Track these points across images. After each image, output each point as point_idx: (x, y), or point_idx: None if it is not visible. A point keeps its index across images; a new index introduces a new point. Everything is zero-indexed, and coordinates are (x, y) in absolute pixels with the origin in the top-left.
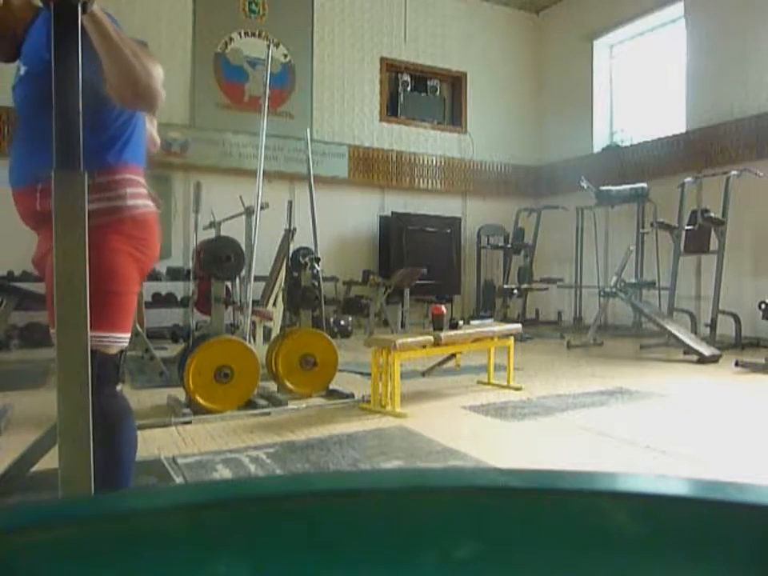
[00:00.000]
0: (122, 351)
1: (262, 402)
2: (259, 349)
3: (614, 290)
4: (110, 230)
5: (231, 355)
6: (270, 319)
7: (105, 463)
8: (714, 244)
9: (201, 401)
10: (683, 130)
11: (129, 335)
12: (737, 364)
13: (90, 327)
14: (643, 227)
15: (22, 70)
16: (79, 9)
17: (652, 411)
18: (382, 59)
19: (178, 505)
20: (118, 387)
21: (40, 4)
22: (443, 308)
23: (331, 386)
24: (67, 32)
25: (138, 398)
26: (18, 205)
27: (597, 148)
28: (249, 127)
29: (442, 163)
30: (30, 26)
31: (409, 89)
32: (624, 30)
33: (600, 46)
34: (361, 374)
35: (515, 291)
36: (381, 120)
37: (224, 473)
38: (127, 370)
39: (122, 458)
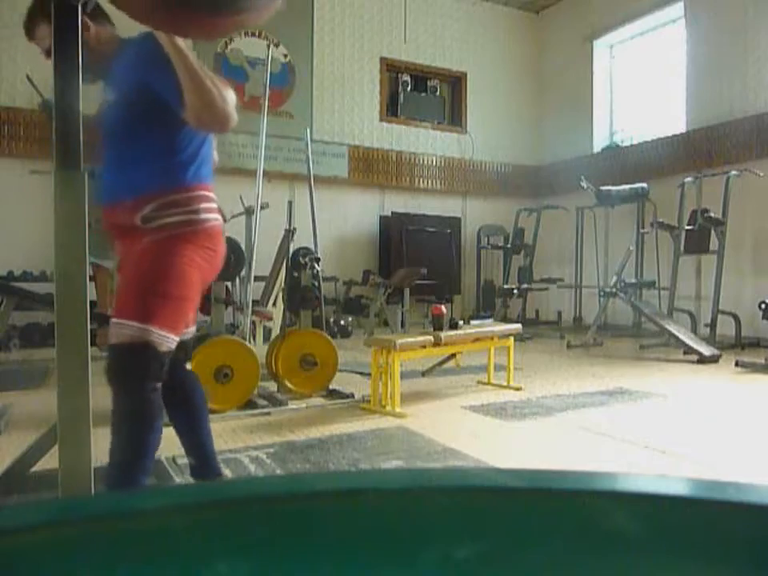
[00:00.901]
0: (168, 351)
1: (262, 401)
2: (259, 349)
3: (614, 289)
4: (183, 239)
5: (231, 355)
6: (270, 319)
7: (122, 450)
8: (714, 244)
9: None
10: (683, 130)
11: (177, 340)
12: (737, 364)
13: (148, 322)
14: (643, 227)
15: (112, 95)
16: (79, 9)
17: (652, 411)
18: (382, 59)
19: (178, 505)
20: (159, 385)
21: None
22: (443, 308)
23: (331, 386)
24: (67, 32)
25: None
26: (108, 218)
27: (597, 148)
28: (249, 127)
29: (442, 163)
30: (116, 54)
31: (409, 89)
32: (624, 29)
33: (600, 45)
34: (361, 373)
35: (515, 291)
36: (381, 120)
37: (224, 473)
38: None
39: (140, 453)
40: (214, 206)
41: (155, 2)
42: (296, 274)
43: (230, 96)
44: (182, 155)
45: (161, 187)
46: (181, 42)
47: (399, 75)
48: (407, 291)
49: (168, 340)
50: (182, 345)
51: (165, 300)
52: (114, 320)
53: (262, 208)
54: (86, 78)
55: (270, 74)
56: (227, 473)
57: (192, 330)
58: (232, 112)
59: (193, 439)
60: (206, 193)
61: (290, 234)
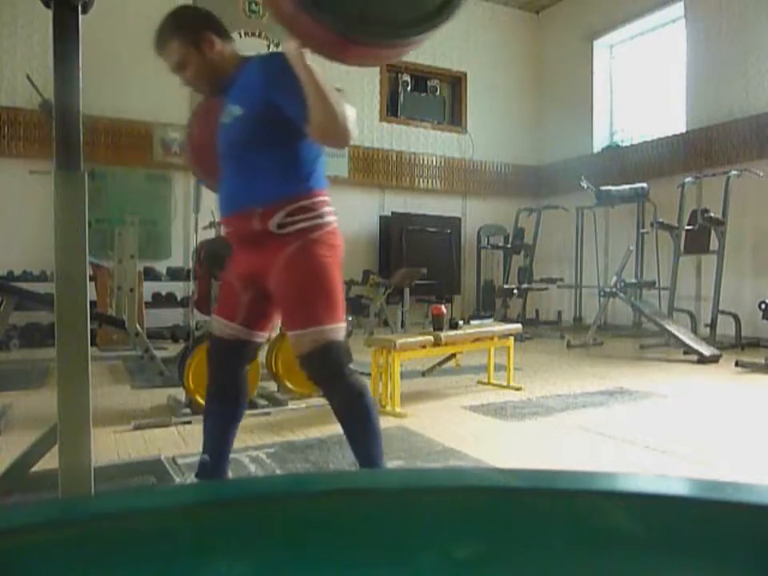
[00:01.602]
0: (346, 335)
1: (262, 401)
2: None
3: (614, 289)
4: (319, 242)
5: None
6: None
7: (365, 431)
8: (714, 244)
9: (201, 401)
10: (683, 130)
11: (345, 324)
12: (737, 364)
13: (322, 323)
14: (643, 227)
15: (238, 111)
16: (79, 9)
17: (652, 411)
18: None
19: (178, 505)
20: (351, 365)
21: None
22: (443, 308)
23: None
24: (67, 32)
25: (137, 398)
26: (231, 227)
27: (597, 148)
28: None
29: (442, 163)
30: (238, 70)
31: (409, 89)
32: (624, 29)
33: (600, 45)
34: (361, 373)
35: (515, 291)
36: (381, 120)
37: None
38: (127, 369)
39: (376, 423)
40: (332, 208)
41: (330, 36)
42: None
43: (351, 114)
44: (306, 165)
45: (290, 195)
46: (311, 62)
47: (399, 75)
48: (407, 291)
49: (341, 329)
50: (250, 347)
51: (328, 300)
52: (295, 333)
53: None
54: (206, 91)
55: None
56: (227, 473)
57: (264, 335)
58: (352, 129)
59: (220, 439)
60: (325, 198)
61: None
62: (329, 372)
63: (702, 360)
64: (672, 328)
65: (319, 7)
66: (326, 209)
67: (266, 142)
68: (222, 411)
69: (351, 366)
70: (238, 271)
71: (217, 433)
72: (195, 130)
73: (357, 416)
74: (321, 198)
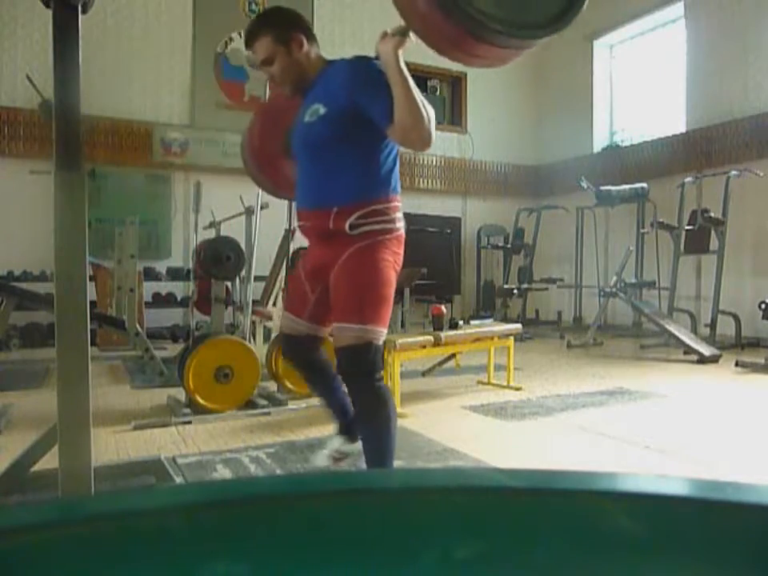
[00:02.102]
0: (383, 343)
1: (262, 401)
2: (259, 349)
3: (614, 289)
4: (382, 246)
5: (231, 355)
6: (270, 319)
7: (380, 436)
8: (714, 244)
9: (201, 401)
10: (683, 130)
11: (385, 331)
12: (737, 364)
13: (369, 323)
14: (643, 227)
15: (322, 110)
16: (79, 9)
17: (652, 411)
18: None
19: (178, 505)
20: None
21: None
22: (443, 308)
23: None
24: (67, 32)
25: (137, 398)
26: (305, 222)
27: (597, 148)
28: None
29: (442, 163)
30: (321, 72)
31: None
32: (624, 29)
33: (600, 45)
34: None
35: (515, 291)
36: None
37: (224, 473)
38: (127, 369)
39: (393, 431)
40: (402, 215)
41: (459, 35)
42: None
43: (433, 117)
44: (384, 168)
45: (366, 198)
46: (404, 67)
47: None
48: (407, 291)
49: (383, 334)
50: (318, 341)
51: (379, 302)
52: (340, 325)
53: (262, 208)
54: (287, 89)
55: None
56: (227, 473)
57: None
58: (434, 132)
59: (332, 400)
60: (398, 203)
61: (289, 233)
62: (363, 370)
63: (702, 360)
64: (672, 328)
65: (454, 4)
66: (398, 214)
67: (346, 143)
68: (319, 382)
69: (382, 373)
70: (308, 266)
71: (328, 397)
72: (261, 142)
73: (377, 420)
74: (394, 204)
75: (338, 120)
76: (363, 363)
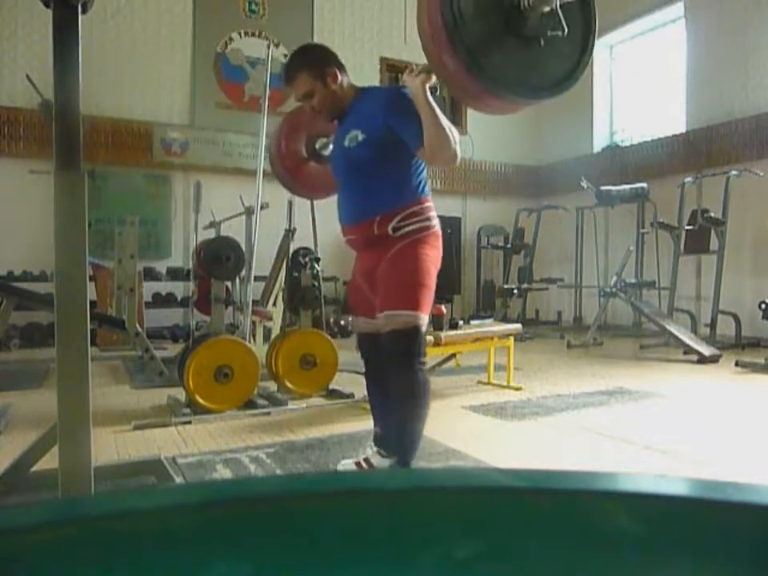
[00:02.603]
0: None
1: (262, 401)
2: (259, 349)
3: (613, 289)
4: (422, 242)
5: (231, 355)
6: (270, 319)
7: (413, 419)
8: (714, 244)
9: (201, 401)
10: (683, 130)
11: (427, 319)
12: (737, 364)
13: (416, 309)
14: (643, 227)
15: (361, 136)
16: (79, 9)
17: (652, 411)
18: (382, 59)
19: (178, 505)
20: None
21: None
22: (443, 308)
23: (331, 386)
24: (67, 32)
25: (137, 398)
26: (351, 235)
27: (597, 148)
28: (249, 127)
29: None
30: (354, 99)
31: None
32: (624, 29)
33: (600, 45)
34: (361, 373)
35: (515, 291)
36: None
37: (224, 473)
38: (127, 369)
39: (425, 414)
40: (435, 213)
41: (477, 89)
42: (296, 274)
43: (458, 138)
44: (416, 177)
45: (404, 203)
46: (430, 96)
47: (399, 75)
48: None
49: (425, 321)
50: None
51: (423, 290)
52: (389, 312)
53: (261, 208)
54: (325, 117)
55: (270, 73)
56: (227, 473)
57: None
58: (459, 152)
59: (385, 408)
60: (431, 204)
61: (289, 233)
62: (407, 352)
63: (702, 360)
64: (672, 328)
65: (481, 70)
66: (432, 213)
67: (384, 162)
68: (382, 391)
69: (425, 359)
70: (361, 271)
71: (382, 408)
72: (287, 145)
73: (413, 401)
74: (427, 204)
75: (376, 144)
76: (409, 346)
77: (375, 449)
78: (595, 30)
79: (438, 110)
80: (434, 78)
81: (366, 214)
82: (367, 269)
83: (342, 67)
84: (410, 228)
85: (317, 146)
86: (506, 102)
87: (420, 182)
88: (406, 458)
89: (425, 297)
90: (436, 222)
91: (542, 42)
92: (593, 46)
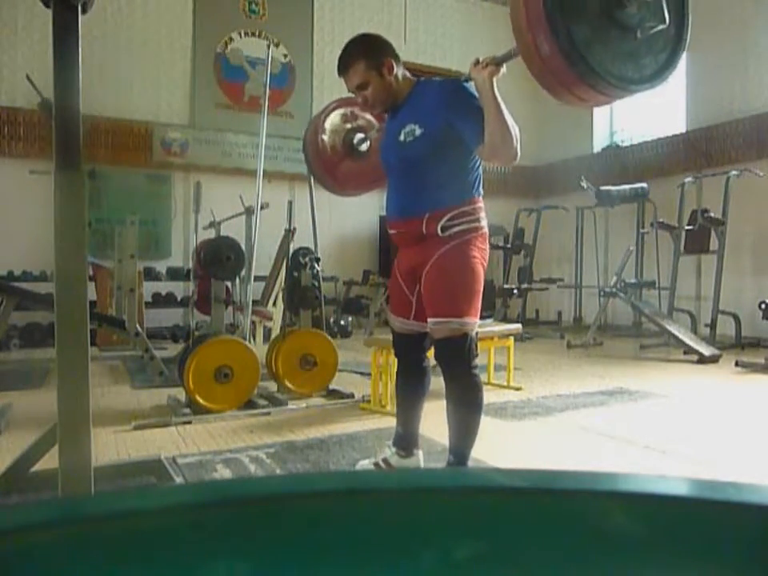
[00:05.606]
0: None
1: (262, 401)
2: (259, 349)
3: (613, 289)
4: (470, 244)
5: (231, 355)
6: (270, 319)
7: (472, 423)
8: (714, 244)
9: (201, 401)
10: (683, 130)
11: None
12: (737, 364)
13: (466, 316)
14: (643, 227)
15: (419, 130)
16: (79, 9)
17: (652, 411)
18: None
19: (178, 505)
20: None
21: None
22: None
23: (331, 386)
24: (67, 32)
25: (137, 398)
26: (398, 230)
27: (597, 148)
28: (249, 127)
29: None
30: (411, 92)
31: None
32: None
33: None
34: (361, 373)
35: (515, 291)
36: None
37: (224, 473)
38: (127, 369)
39: (480, 417)
40: (485, 214)
41: (574, 81)
42: (296, 274)
43: (518, 136)
44: (471, 175)
45: (456, 201)
46: (498, 93)
47: None
48: None
49: (476, 325)
50: (427, 336)
51: (472, 296)
52: (438, 319)
53: (262, 208)
54: (378, 109)
55: (270, 74)
56: (227, 473)
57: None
58: (519, 151)
59: (410, 413)
60: (482, 204)
61: (289, 234)
62: (460, 358)
63: (702, 360)
64: (672, 328)
65: (579, 56)
66: (482, 214)
67: (440, 158)
68: (412, 391)
69: (477, 362)
70: (402, 268)
71: (408, 408)
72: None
73: (469, 405)
74: (479, 205)
75: (434, 139)
76: (461, 352)
77: (394, 449)
78: (689, 25)
79: (503, 106)
80: (502, 70)
81: (416, 211)
82: (410, 267)
83: (397, 58)
84: (459, 228)
85: (354, 141)
86: (597, 92)
87: (474, 181)
88: (465, 459)
89: (473, 302)
90: (485, 223)
91: (639, 34)
92: (686, 42)
